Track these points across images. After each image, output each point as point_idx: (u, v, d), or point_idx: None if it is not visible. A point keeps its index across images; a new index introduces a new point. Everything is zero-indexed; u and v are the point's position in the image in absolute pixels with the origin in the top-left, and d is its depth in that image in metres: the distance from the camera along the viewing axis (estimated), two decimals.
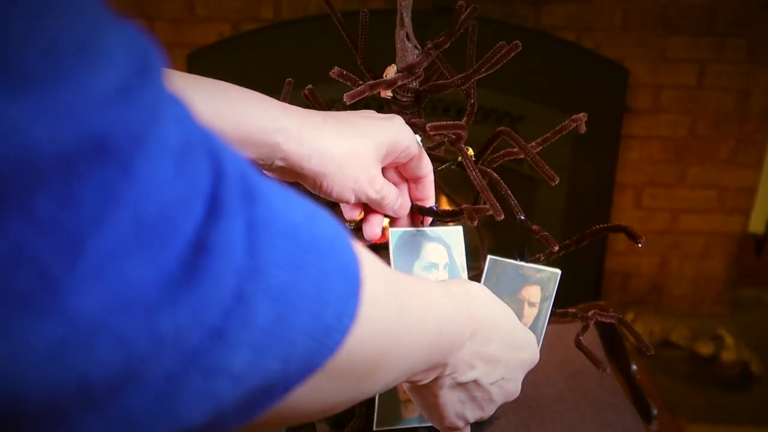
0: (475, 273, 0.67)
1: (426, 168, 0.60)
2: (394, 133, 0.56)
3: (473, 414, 0.54)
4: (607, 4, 1.88)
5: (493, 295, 0.54)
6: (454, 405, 0.52)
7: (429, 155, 0.64)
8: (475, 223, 0.58)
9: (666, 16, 1.88)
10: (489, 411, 0.55)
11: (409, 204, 0.61)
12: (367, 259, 0.35)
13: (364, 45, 0.63)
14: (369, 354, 0.35)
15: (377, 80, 0.59)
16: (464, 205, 0.61)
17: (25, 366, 0.20)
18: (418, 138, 0.61)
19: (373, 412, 0.63)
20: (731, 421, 1.82)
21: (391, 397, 0.64)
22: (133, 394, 0.23)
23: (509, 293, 0.62)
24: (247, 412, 0.29)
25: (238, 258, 0.25)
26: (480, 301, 0.51)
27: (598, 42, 1.90)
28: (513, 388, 0.55)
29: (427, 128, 0.58)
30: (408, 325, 0.40)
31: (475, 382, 0.51)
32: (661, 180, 2.05)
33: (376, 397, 0.62)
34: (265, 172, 0.55)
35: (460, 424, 0.54)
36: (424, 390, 0.51)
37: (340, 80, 0.61)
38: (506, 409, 0.88)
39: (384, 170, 0.59)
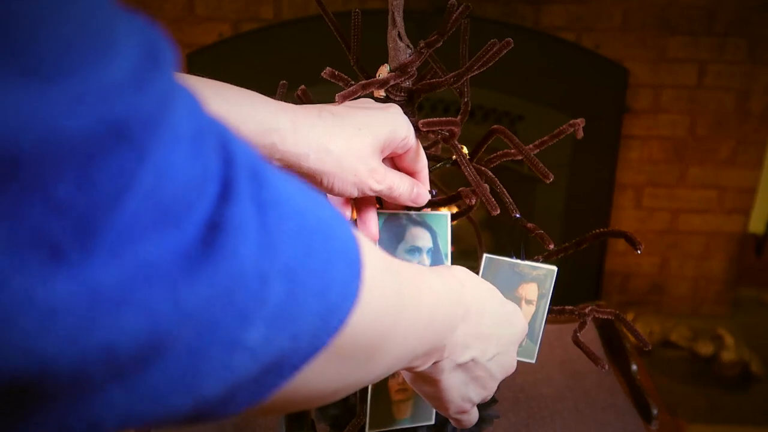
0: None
1: (421, 163, 0.61)
2: (392, 123, 0.56)
3: (477, 394, 0.55)
4: (607, 4, 1.88)
5: (478, 276, 0.55)
6: (458, 388, 0.53)
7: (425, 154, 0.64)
8: (473, 201, 0.58)
9: (666, 16, 1.89)
10: (491, 389, 0.56)
11: (426, 192, 0.61)
12: (366, 244, 0.36)
13: (358, 45, 0.63)
14: (371, 334, 0.36)
15: (369, 80, 0.59)
16: (461, 188, 0.61)
17: (52, 335, 0.21)
18: None
19: (366, 414, 0.63)
20: (731, 421, 1.82)
21: (384, 398, 0.64)
22: (157, 366, 0.24)
23: (506, 291, 0.62)
24: (259, 390, 0.30)
25: (252, 236, 0.26)
26: (466, 284, 0.52)
27: (598, 42, 1.90)
28: (509, 362, 0.56)
29: (420, 125, 0.58)
30: (405, 308, 0.41)
31: (473, 361, 0.52)
32: (661, 180, 2.05)
33: (368, 400, 0.62)
34: None
35: (467, 406, 0.55)
36: (427, 379, 0.52)
37: (333, 80, 0.61)
38: (506, 409, 0.88)
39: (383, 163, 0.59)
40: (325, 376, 0.34)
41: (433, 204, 0.63)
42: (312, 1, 1.85)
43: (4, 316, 0.20)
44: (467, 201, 0.59)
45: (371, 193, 0.57)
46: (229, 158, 0.26)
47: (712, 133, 1.99)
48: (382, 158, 0.58)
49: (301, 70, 0.72)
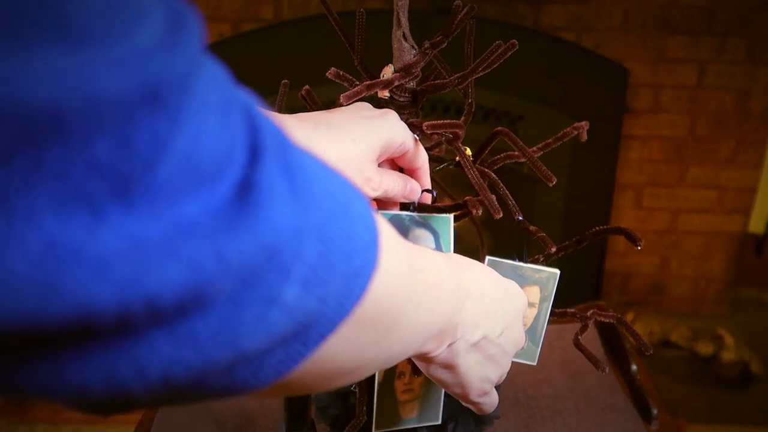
0: None
1: (421, 159, 0.61)
2: (387, 132, 0.57)
3: (494, 372, 0.55)
4: (607, 4, 1.88)
5: (470, 258, 0.56)
6: (475, 369, 0.53)
7: (427, 155, 0.64)
8: (479, 211, 0.58)
9: (666, 16, 1.89)
10: (506, 365, 0.56)
11: (418, 186, 0.62)
12: (378, 215, 0.37)
13: (362, 45, 0.63)
14: (389, 304, 0.37)
15: (374, 80, 0.59)
16: (467, 197, 0.61)
17: (100, 285, 0.23)
18: (417, 140, 0.61)
19: (372, 414, 0.63)
20: (731, 421, 1.82)
21: (390, 398, 0.64)
22: (199, 315, 0.26)
23: None
24: (289, 358, 0.31)
25: (284, 195, 0.27)
26: (461, 263, 0.53)
27: (598, 42, 1.90)
28: (518, 335, 0.57)
29: (424, 127, 0.58)
30: (415, 281, 0.42)
31: (485, 338, 0.53)
32: (661, 180, 2.05)
33: (375, 399, 0.62)
34: None
35: (487, 387, 0.55)
36: (446, 365, 0.53)
37: (337, 81, 0.61)
38: (506, 409, 0.88)
39: (380, 163, 0.59)
40: (347, 348, 0.35)
41: (438, 210, 0.63)
42: (312, 1, 1.85)
43: (55, 268, 0.22)
44: (473, 211, 0.59)
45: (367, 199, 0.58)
46: (255, 126, 0.27)
47: (712, 133, 1.99)
48: (378, 163, 0.58)
49: (302, 70, 0.72)
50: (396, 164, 0.62)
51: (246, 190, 0.26)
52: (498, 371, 0.56)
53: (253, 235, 0.26)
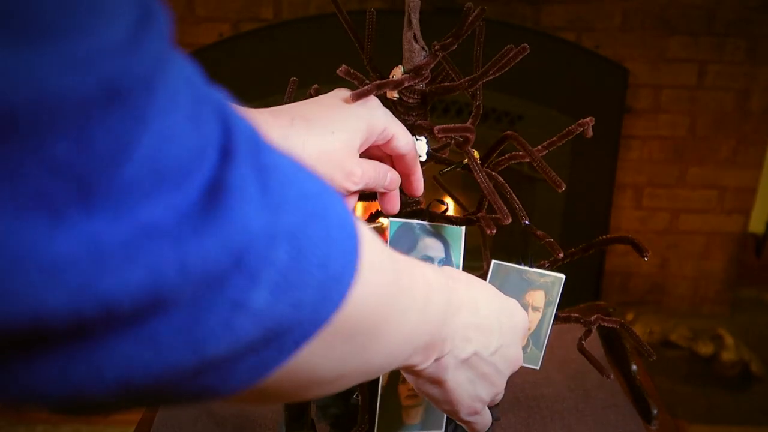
0: (476, 273, 0.67)
1: (408, 145, 0.58)
2: (366, 121, 0.55)
3: (487, 392, 0.53)
4: (607, 4, 1.88)
5: (468, 273, 0.54)
6: (466, 387, 0.52)
7: (434, 157, 0.64)
8: (493, 231, 0.58)
9: (666, 16, 1.88)
10: (500, 385, 0.54)
11: (398, 177, 0.60)
12: (360, 221, 0.35)
13: (371, 45, 0.63)
14: (370, 313, 0.36)
15: (384, 80, 0.59)
16: (480, 214, 0.61)
17: (54, 289, 0.22)
18: (424, 141, 0.61)
19: (375, 418, 0.63)
20: (731, 421, 1.82)
21: (394, 403, 0.63)
22: (160, 319, 0.25)
23: (513, 297, 0.62)
24: (261, 364, 0.30)
25: (255, 197, 0.26)
26: (457, 277, 0.51)
27: (598, 42, 1.90)
28: (514, 354, 0.54)
29: (435, 131, 0.58)
30: (401, 291, 0.40)
31: (476, 355, 0.51)
32: (661, 180, 2.05)
33: (378, 403, 0.62)
34: None
35: (478, 406, 0.53)
36: (433, 380, 0.51)
37: (347, 78, 0.60)
38: (506, 409, 0.88)
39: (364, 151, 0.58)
40: (326, 357, 0.34)
41: (450, 222, 0.62)
42: (312, 1, 1.85)
43: (8, 270, 0.21)
44: (488, 231, 0.58)
45: (349, 194, 0.56)
46: (227, 126, 0.27)
47: (712, 133, 1.99)
48: (360, 152, 0.56)
49: (302, 71, 0.72)
50: (380, 151, 0.60)
51: (215, 192, 0.25)
52: (491, 390, 0.53)
53: (219, 239, 0.25)
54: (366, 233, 0.35)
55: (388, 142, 0.57)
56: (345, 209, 0.33)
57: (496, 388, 0.54)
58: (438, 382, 0.50)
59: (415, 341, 0.44)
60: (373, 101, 0.57)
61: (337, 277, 0.31)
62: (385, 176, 0.58)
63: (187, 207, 0.24)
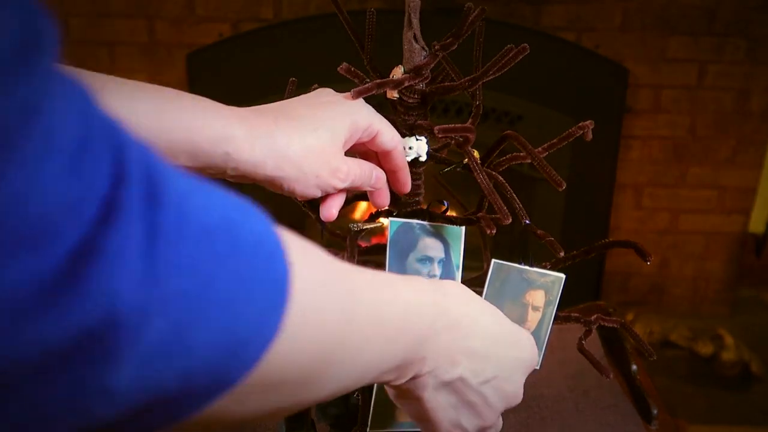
0: (476, 273, 0.67)
1: (393, 141, 0.57)
2: (350, 117, 0.54)
3: (471, 422, 0.50)
4: (607, 4, 1.88)
5: (473, 293, 0.51)
6: (447, 411, 0.49)
7: (434, 157, 0.63)
8: (493, 231, 0.58)
9: (666, 16, 1.88)
10: (489, 419, 0.50)
11: (384, 174, 0.59)
12: (307, 258, 0.33)
13: (371, 45, 0.63)
14: (303, 363, 0.33)
15: (385, 79, 0.59)
16: (480, 214, 0.61)
17: None
18: (425, 141, 0.61)
19: (369, 412, 0.63)
20: (731, 421, 1.82)
21: (387, 399, 0.64)
22: (11, 397, 0.22)
23: (513, 297, 0.62)
24: (170, 416, 0.27)
25: (130, 265, 0.23)
26: (455, 298, 0.48)
27: (598, 42, 1.90)
28: (512, 390, 0.51)
29: (435, 131, 0.58)
30: (357, 323, 0.38)
31: (462, 380, 0.47)
32: (661, 180, 2.05)
33: (372, 399, 0.62)
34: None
35: None
36: (408, 395, 0.48)
37: (348, 77, 0.60)
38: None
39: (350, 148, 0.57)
40: (248, 404, 0.31)
41: (450, 222, 0.62)
42: (312, 1, 1.85)
43: None
44: (488, 231, 0.58)
45: (335, 191, 0.56)
46: (121, 172, 0.23)
47: (712, 133, 1.99)
48: (345, 150, 0.55)
49: (301, 71, 0.72)
50: (366, 148, 0.59)
51: (82, 260, 0.22)
52: (475, 422, 0.50)
53: (70, 316, 0.22)
54: (305, 264, 0.32)
55: (374, 138, 0.57)
56: (275, 252, 0.30)
57: (483, 421, 0.50)
58: (414, 398, 0.48)
59: (381, 366, 0.42)
60: (359, 102, 0.56)
61: (248, 338, 0.28)
62: (370, 174, 0.57)
63: (43, 277, 0.21)
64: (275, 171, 0.51)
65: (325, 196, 0.58)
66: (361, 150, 0.59)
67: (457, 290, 0.49)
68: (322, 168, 0.53)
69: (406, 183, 0.60)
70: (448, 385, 0.47)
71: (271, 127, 0.51)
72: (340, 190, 0.57)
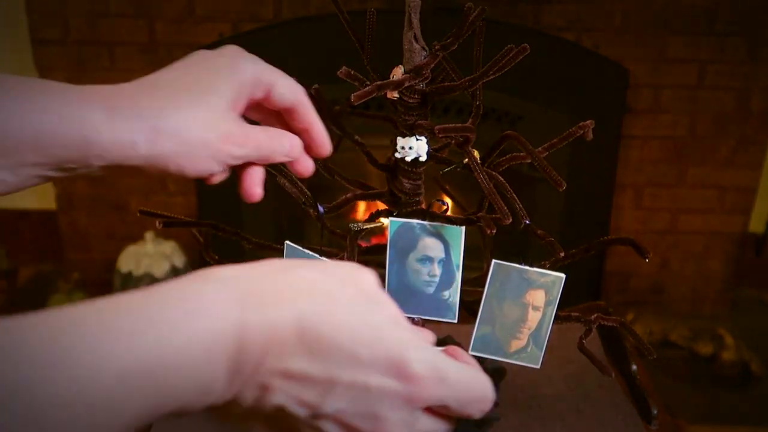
0: (477, 273, 0.67)
1: (292, 93, 0.50)
2: (231, 72, 0.47)
3: None
4: (607, 4, 1.88)
5: (320, 289, 0.38)
6: None
7: (434, 157, 0.63)
8: (493, 231, 0.58)
9: (666, 16, 1.88)
10: None
11: (300, 142, 0.51)
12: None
13: (371, 45, 0.63)
14: None
15: (385, 81, 0.59)
16: (480, 214, 0.61)
17: None
18: (425, 141, 0.61)
19: None
20: (731, 421, 1.82)
21: None
22: None
23: (513, 297, 0.62)
24: None
25: None
26: (268, 300, 0.36)
27: (598, 42, 1.90)
28: (384, 429, 0.37)
29: (436, 131, 0.58)
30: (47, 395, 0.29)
31: (284, 411, 0.36)
32: (661, 180, 2.05)
33: None
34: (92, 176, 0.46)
35: None
36: (227, 415, 0.39)
37: (348, 80, 0.60)
38: (506, 409, 0.88)
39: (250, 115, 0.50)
40: None
41: (450, 222, 0.63)
42: (312, 1, 1.85)
43: None
44: (488, 231, 0.58)
45: (236, 161, 0.48)
46: None
47: (712, 133, 1.99)
48: (240, 114, 0.48)
49: (302, 70, 0.72)
50: (272, 111, 0.52)
51: None
52: None
53: None
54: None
55: (269, 95, 0.49)
56: None
57: None
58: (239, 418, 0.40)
59: (129, 422, 0.33)
60: (233, 49, 0.49)
61: None
62: (281, 141, 0.50)
63: None
64: (150, 150, 0.44)
65: (241, 174, 0.51)
66: (262, 119, 0.53)
67: (271, 290, 0.37)
68: (208, 134, 0.45)
69: (323, 142, 0.53)
70: (265, 417, 0.37)
71: (135, 99, 0.44)
72: (253, 163, 0.50)
